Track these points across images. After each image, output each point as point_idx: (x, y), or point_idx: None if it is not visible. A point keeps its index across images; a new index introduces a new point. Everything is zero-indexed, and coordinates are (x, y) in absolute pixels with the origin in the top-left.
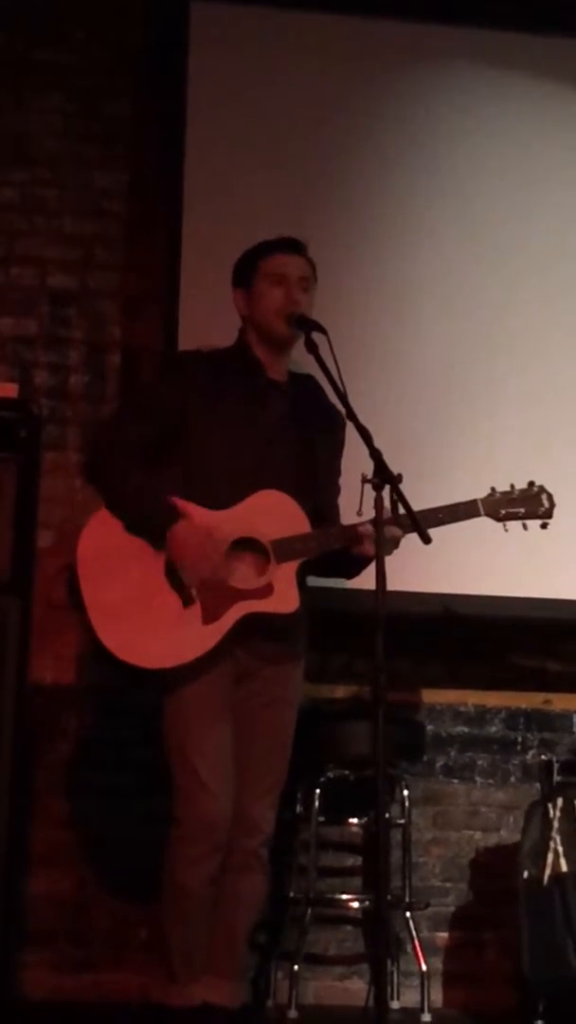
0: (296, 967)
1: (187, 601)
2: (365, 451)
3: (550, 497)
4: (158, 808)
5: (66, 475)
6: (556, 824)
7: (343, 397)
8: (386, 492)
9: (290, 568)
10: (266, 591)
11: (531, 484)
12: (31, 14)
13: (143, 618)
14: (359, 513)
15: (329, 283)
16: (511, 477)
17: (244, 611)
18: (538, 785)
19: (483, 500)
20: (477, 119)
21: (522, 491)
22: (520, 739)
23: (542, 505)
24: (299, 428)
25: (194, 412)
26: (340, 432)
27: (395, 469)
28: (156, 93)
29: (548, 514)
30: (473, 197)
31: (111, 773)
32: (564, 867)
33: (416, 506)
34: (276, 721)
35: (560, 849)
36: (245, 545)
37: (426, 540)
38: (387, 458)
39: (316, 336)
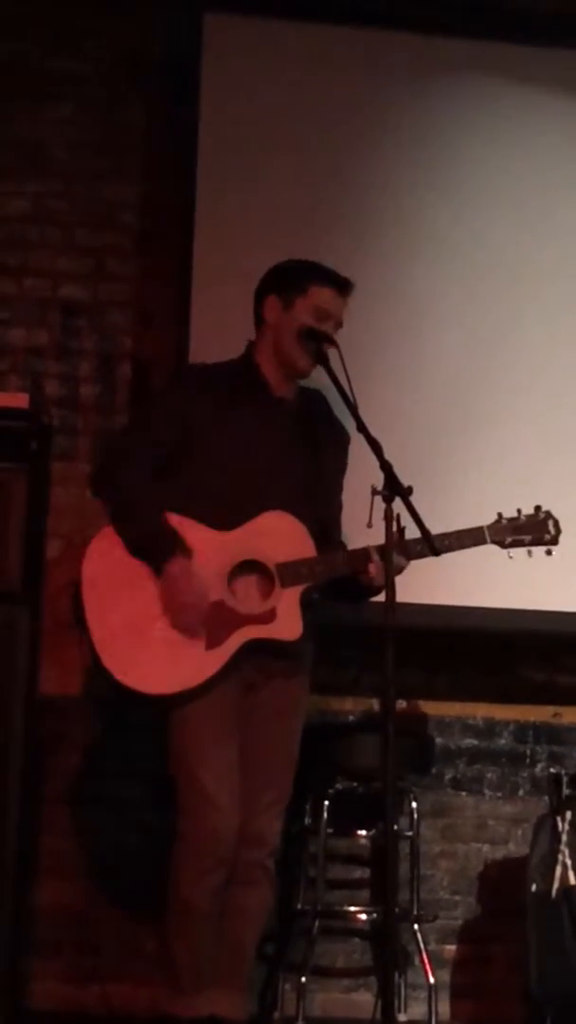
0: (303, 979)
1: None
2: (374, 463)
3: (556, 523)
4: (166, 819)
5: (76, 485)
6: (565, 837)
7: (353, 409)
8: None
9: (294, 593)
10: (269, 616)
11: (537, 509)
12: (44, 25)
13: (146, 642)
14: (369, 525)
15: None
16: (518, 491)
17: (246, 637)
18: (547, 798)
19: (489, 527)
20: (488, 132)
21: (528, 517)
22: (529, 752)
23: (548, 532)
24: (306, 444)
25: (200, 427)
26: (346, 449)
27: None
28: (169, 104)
29: (554, 541)
30: (483, 211)
31: (119, 784)
32: (572, 880)
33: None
34: (282, 733)
35: (569, 862)
36: (250, 567)
37: (436, 553)
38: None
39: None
